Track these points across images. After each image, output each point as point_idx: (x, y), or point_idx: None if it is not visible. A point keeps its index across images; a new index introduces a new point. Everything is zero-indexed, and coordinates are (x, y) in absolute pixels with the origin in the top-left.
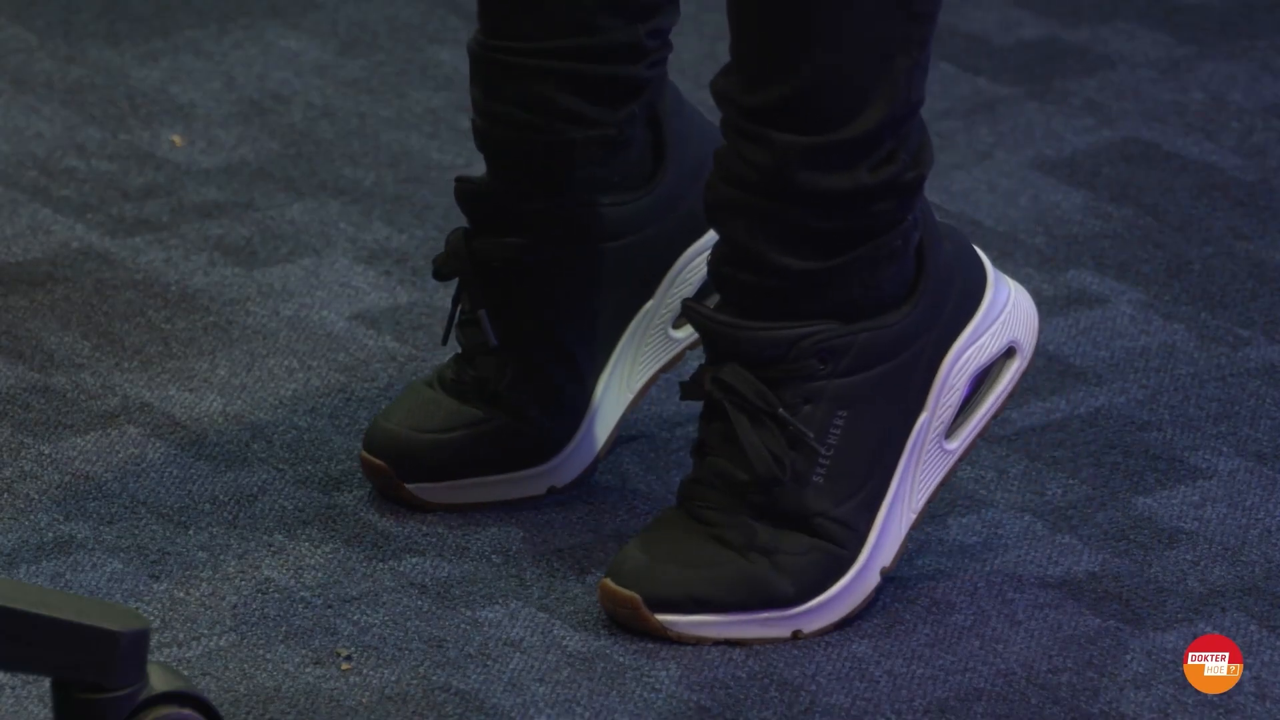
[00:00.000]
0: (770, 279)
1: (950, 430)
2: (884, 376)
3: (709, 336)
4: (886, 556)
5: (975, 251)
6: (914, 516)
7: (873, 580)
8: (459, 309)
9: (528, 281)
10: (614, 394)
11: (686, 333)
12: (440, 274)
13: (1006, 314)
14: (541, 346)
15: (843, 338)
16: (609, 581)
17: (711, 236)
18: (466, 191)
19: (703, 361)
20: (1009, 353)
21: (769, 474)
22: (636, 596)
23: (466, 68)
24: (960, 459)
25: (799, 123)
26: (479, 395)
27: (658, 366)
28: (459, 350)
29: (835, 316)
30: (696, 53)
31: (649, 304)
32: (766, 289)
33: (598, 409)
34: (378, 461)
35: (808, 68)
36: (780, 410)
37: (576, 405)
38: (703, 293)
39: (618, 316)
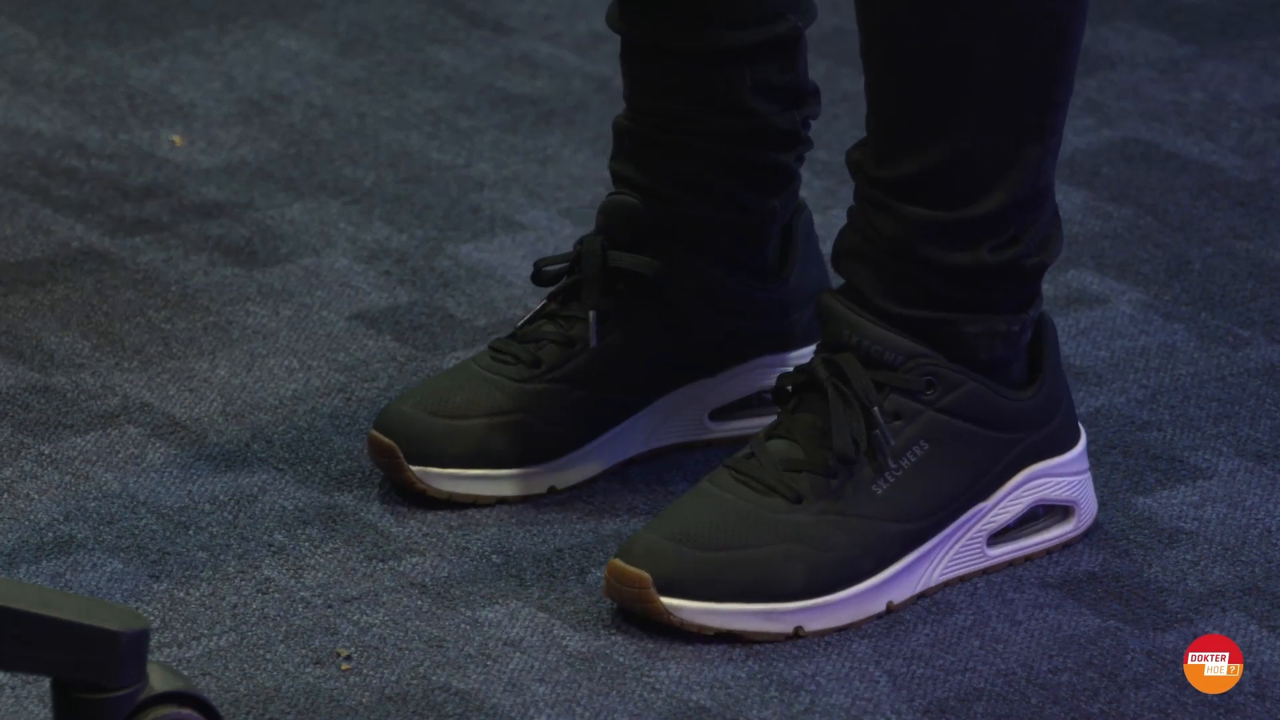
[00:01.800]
0: (887, 321)
1: (992, 538)
2: (977, 437)
3: (835, 322)
4: (899, 595)
5: (1075, 412)
6: (931, 585)
7: (878, 605)
8: (547, 305)
9: (638, 303)
10: (632, 434)
11: (719, 429)
12: (543, 276)
13: (1084, 478)
14: (612, 364)
15: (956, 373)
16: (618, 561)
17: (789, 357)
18: (620, 206)
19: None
20: (1067, 511)
21: (846, 450)
22: (646, 575)
23: (466, 67)
24: (986, 570)
25: (927, 198)
26: (520, 373)
27: (678, 440)
28: (499, 338)
29: (951, 358)
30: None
31: (708, 380)
32: (886, 325)
33: (613, 438)
34: (386, 440)
35: (941, 148)
36: (875, 409)
37: (600, 424)
38: (737, 406)
39: (680, 374)
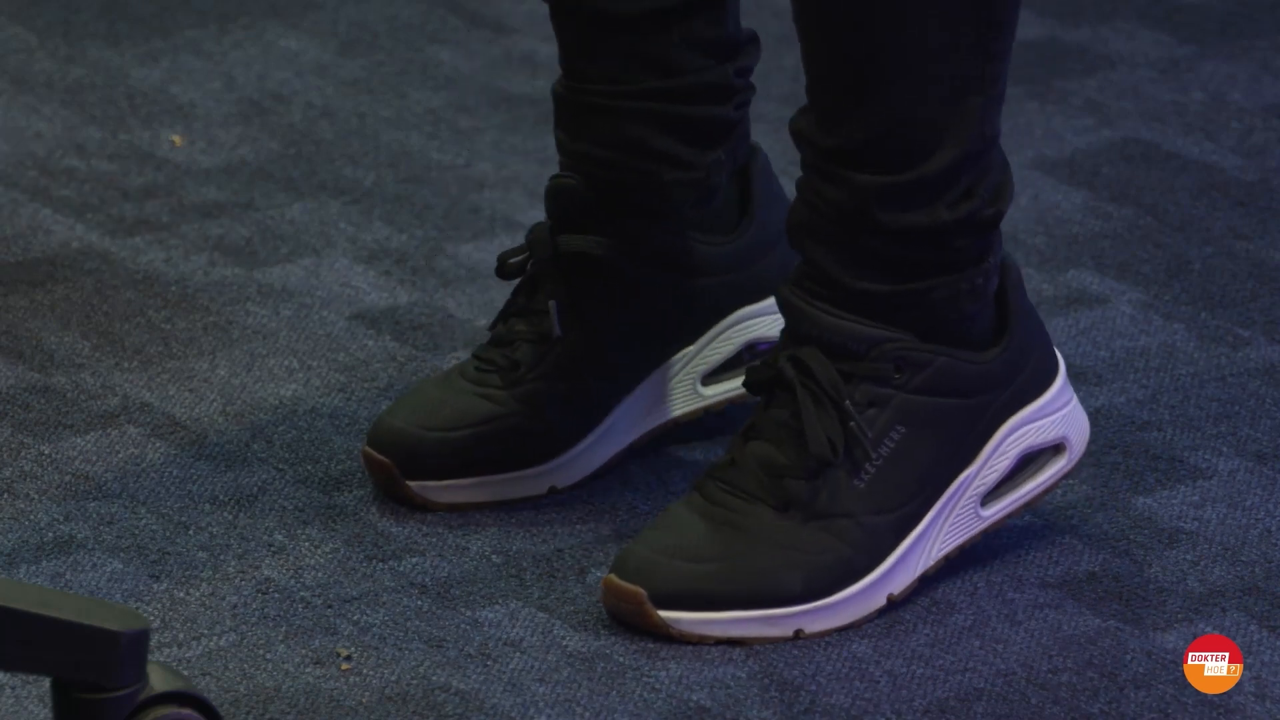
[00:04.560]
0: (851, 299)
1: (985, 498)
2: (950, 410)
3: (794, 316)
4: (897, 585)
5: (1051, 343)
6: (931, 564)
7: (878, 601)
8: (514, 301)
9: (598, 284)
10: (627, 420)
11: (713, 391)
12: (505, 269)
13: (1068, 411)
14: (586, 350)
15: (922, 352)
16: (613, 577)
17: (768, 305)
18: (564, 188)
19: (778, 347)
20: (1058, 448)
21: (822, 454)
22: (641, 591)
23: (466, 67)
24: (985, 530)
25: (876, 163)
26: (503, 380)
27: (676, 414)
28: (480, 345)
29: (917, 334)
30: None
31: (689, 349)
32: (847, 305)
33: (609, 427)
34: (382, 458)
35: (882, 109)
36: (847, 402)
37: (592, 415)
38: (727, 365)
39: (660, 348)
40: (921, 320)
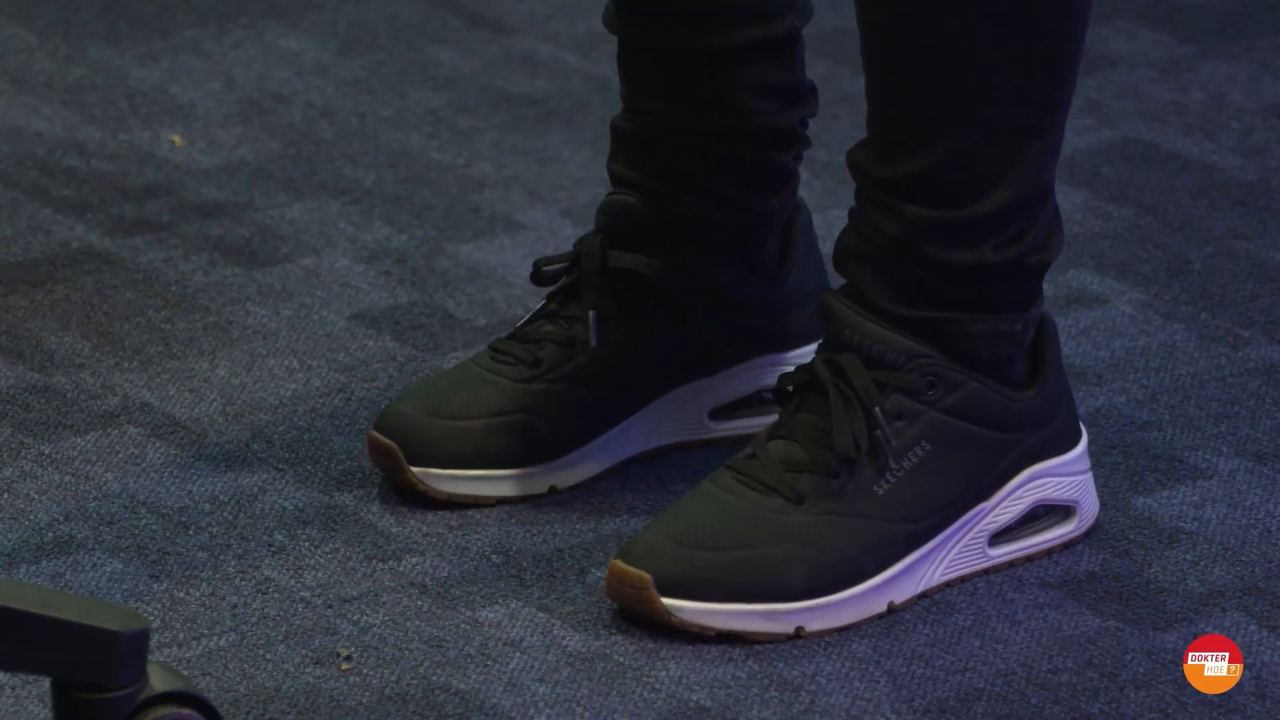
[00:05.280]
0: (889, 321)
1: (994, 538)
2: (978, 438)
3: (835, 322)
4: (900, 595)
5: (1076, 411)
6: (933, 585)
7: (879, 606)
8: (547, 305)
9: (642, 302)
10: (631, 434)
11: (719, 428)
12: (542, 276)
13: (1085, 479)
14: (612, 363)
15: (957, 373)
16: (619, 561)
17: (790, 356)
18: (620, 206)
19: (821, 351)
20: (1068, 511)
21: (847, 450)
22: (647, 576)
23: (466, 67)
24: (988, 570)
25: (929, 198)
26: (519, 374)
27: (678, 439)
28: (499, 338)
29: (954, 359)
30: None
31: (705, 380)
32: (889, 327)
33: (612, 438)
34: (387, 441)
35: (941, 148)
36: (876, 410)
37: (600, 424)
38: (738, 405)
39: (682, 373)
40: (958, 349)
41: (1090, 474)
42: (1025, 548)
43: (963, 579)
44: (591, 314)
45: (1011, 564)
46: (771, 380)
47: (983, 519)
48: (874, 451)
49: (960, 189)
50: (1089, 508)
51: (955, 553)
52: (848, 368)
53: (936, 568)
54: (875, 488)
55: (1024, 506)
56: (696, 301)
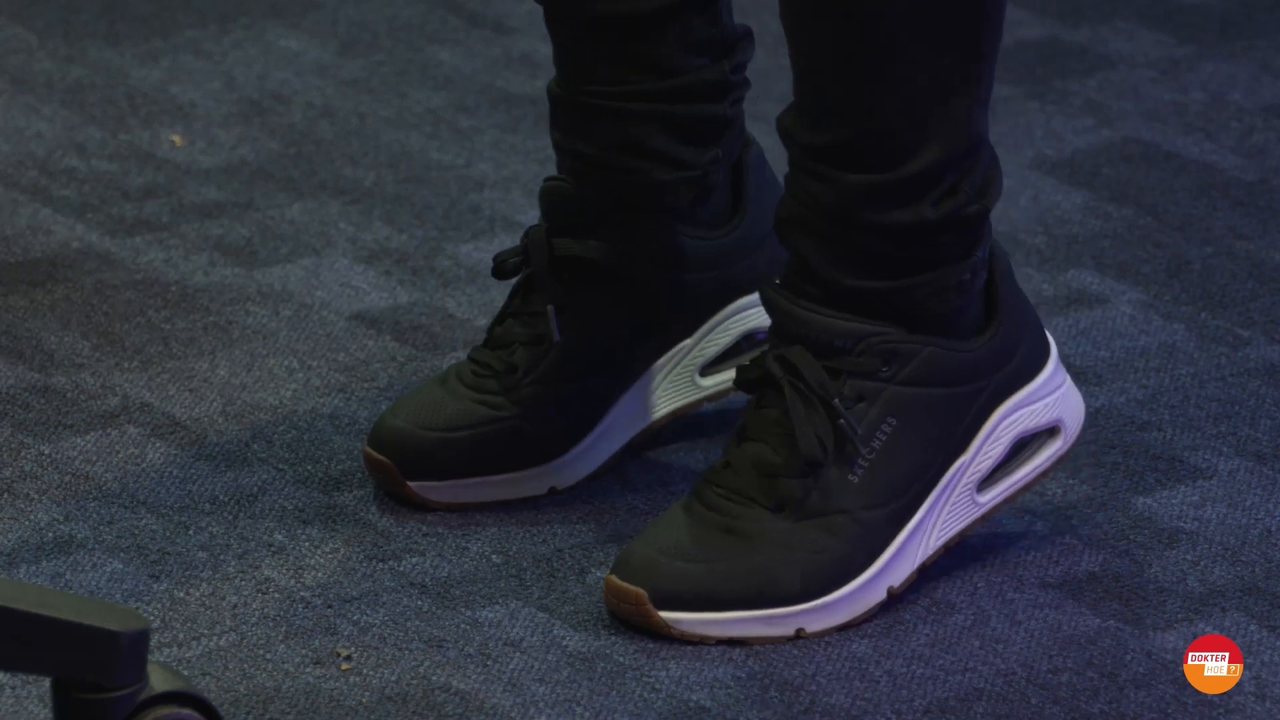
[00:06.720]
0: (838, 294)
1: (981, 484)
2: (940, 400)
3: (780, 317)
4: (897, 578)
5: (1042, 327)
6: (930, 553)
7: (878, 595)
8: (510, 303)
9: (594, 286)
10: (627, 416)
11: (712, 382)
12: (502, 270)
13: (1060, 394)
14: (586, 349)
15: (909, 344)
16: (614, 577)
17: (756, 299)
18: (557, 190)
19: (765, 347)
20: (1053, 431)
21: (812, 454)
22: (642, 592)
23: (466, 67)
24: (984, 517)
25: (861, 162)
26: (500, 385)
27: (675, 407)
28: (476, 346)
29: (905, 326)
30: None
31: (686, 342)
32: (835, 301)
33: (608, 425)
34: (382, 458)
35: (869, 109)
36: (835, 400)
37: (591, 414)
38: (726, 355)
39: (657, 343)
40: (909, 314)
41: (1066, 384)
42: (1016, 481)
43: (961, 534)
44: (550, 308)
45: (1008, 500)
46: (752, 322)
47: (965, 473)
48: (841, 442)
49: (891, 150)
50: (1073, 420)
51: (945, 514)
52: (798, 362)
53: (929, 536)
54: (850, 477)
55: (1004, 446)
56: (651, 273)
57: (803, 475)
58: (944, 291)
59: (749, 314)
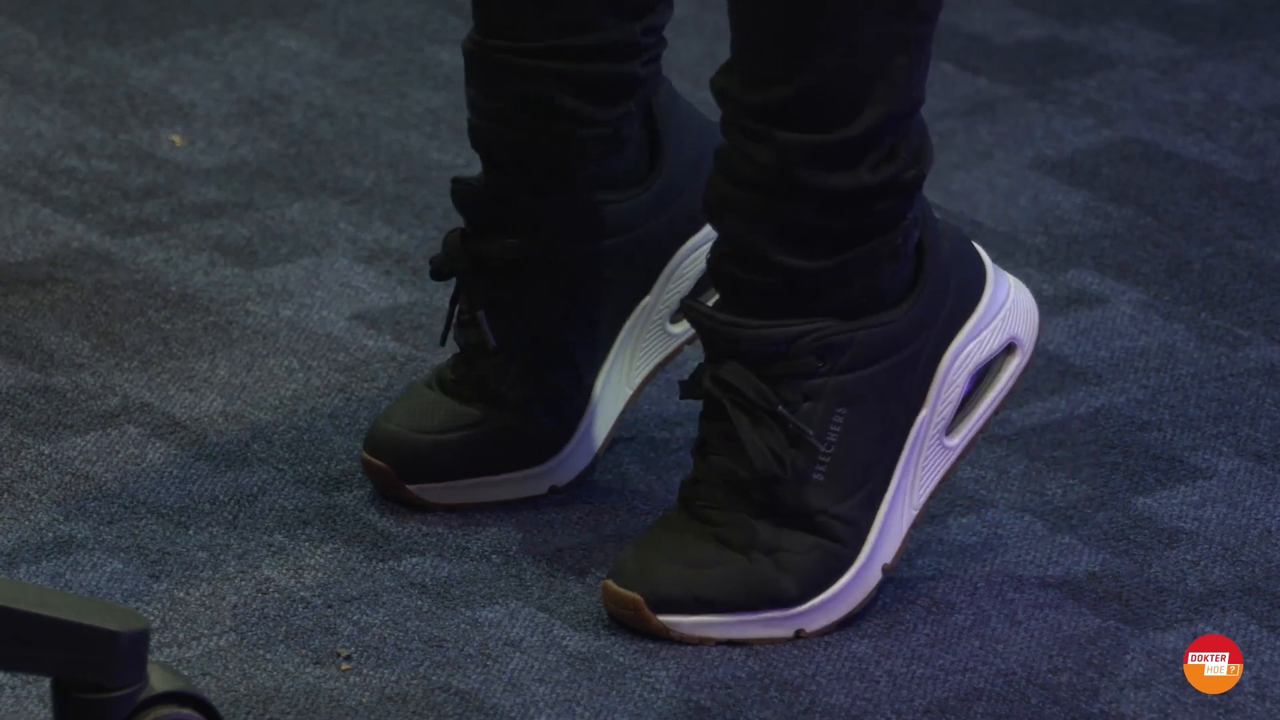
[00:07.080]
0: (771, 277)
1: (950, 427)
2: (883, 373)
3: (709, 335)
4: (888, 554)
5: (974, 248)
6: (915, 514)
7: (874, 578)
8: (457, 309)
9: (526, 280)
10: (613, 390)
11: (684, 328)
12: (438, 274)
13: (1006, 310)
14: (541, 346)
15: (841, 334)
16: (611, 583)
17: (708, 231)
18: (463, 192)
19: (702, 360)
20: (1009, 349)
21: (769, 472)
22: (639, 597)
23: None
24: (961, 456)
25: (801, 121)
26: (480, 395)
27: (656, 361)
28: (458, 350)
29: (835, 314)
30: (697, 53)
31: (646, 300)
32: (767, 287)
33: (597, 406)
34: (379, 463)
35: (810, 68)
36: (780, 408)
37: (576, 403)
38: (699, 288)
39: (616, 313)
40: (841, 297)
41: (1008, 298)
42: (983, 413)
43: (942, 481)
44: (479, 314)
45: (983, 430)
46: (704, 263)
47: (928, 427)
48: (797, 444)
49: (832, 110)
50: (1027, 331)
51: (920, 473)
52: (735, 380)
53: (908, 501)
54: (815, 475)
55: (962, 386)
56: (576, 254)
57: (772, 483)
58: (878, 261)
59: (698, 254)
